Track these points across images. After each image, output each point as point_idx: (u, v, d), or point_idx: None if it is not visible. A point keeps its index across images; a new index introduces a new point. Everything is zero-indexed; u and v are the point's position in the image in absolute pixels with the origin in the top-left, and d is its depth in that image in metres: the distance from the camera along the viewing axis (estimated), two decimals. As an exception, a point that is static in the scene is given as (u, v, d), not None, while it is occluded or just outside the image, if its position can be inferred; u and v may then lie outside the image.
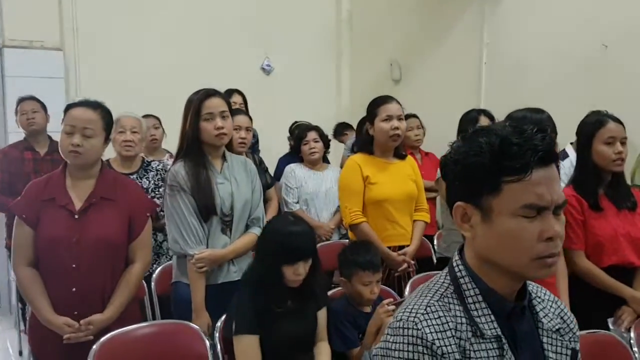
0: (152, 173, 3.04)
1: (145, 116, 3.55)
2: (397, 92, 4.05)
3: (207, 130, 2.13)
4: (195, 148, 2.15)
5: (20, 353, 3.57)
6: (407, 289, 2.46)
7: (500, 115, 2.84)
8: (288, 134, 4.26)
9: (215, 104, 2.14)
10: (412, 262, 2.61)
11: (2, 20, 3.97)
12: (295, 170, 3.41)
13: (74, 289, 1.90)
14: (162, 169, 3.18)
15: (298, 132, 3.58)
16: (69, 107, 1.97)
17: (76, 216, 1.92)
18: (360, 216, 2.55)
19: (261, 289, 1.92)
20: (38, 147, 3.39)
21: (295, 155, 3.92)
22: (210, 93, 2.16)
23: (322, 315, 2.08)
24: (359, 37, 5.39)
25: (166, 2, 4.61)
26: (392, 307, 2.09)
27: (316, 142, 3.44)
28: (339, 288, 2.30)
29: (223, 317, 2.01)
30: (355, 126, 4.34)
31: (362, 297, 2.17)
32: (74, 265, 1.89)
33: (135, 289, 2.03)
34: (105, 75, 4.30)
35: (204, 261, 2.10)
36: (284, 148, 4.22)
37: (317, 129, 3.54)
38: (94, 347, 1.78)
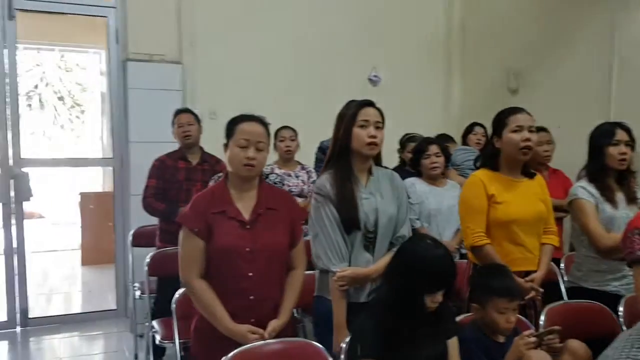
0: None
1: (283, 127, 3.63)
2: (514, 102, 3.82)
3: (360, 137, 2.08)
4: (343, 158, 2.12)
5: (136, 357, 3.69)
6: (543, 318, 2.26)
7: (635, 128, 2.60)
8: (398, 146, 4.15)
9: (372, 113, 2.12)
10: (540, 290, 2.39)
11: (127, 35, 4.16)
12: (415, 185, 3.27)
13: (251, 297, 1.95)
14: (279, 182, 3.20)
15: (417, 145, 3.45)
16: (236, 121, 2.02)
17: (248, 226, 1.97)
18: (483, 238, 2.36)
19: (391, 313, 1.82)
20: (191, 158, 3.50)
21: (404, 168, 3.80)
22: (368, 103, 2.14)
23: (453, 344, 1.94)
24: (472, 45, 5.18)
25: (280, 16, 4.66)
26: (533, 339, 1.92)
27: (438, 156, 3.29)
28: (469, 314, 2.14)
29: (347, 339, 1.93)
30: (457, 138, 4.22)
31: (497, 326, 2.01)
32: (250, 274, 1.94)
33: (299, 294, 2.07)
34: (220, 87, 4.41)
35: (345, 279, 2.04)
36: (391, 160, 4.13)
37: (438, 142, 3.39)
38: (224, 358, 1.77)
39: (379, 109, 2.16)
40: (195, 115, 3.60)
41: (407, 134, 4.13)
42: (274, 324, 1.95)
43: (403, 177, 3.43)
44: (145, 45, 4.21)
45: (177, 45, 4.29)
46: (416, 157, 3.36)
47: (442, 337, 1.93)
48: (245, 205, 2.02)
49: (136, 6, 4.16)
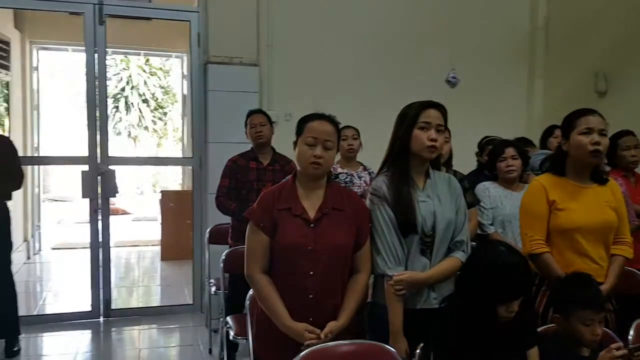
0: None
1: (346, 126, 3.62)
2: (602, 105, 3.64)
3: (420, 139, 2.02)
4: (401, 160, 2.07)
5: (210, 351, 3.79)
6: (631, 331, 2.12)
7: None
8: (476, 149, 4.04)
9: (434, 115, 2.04)
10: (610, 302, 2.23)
11: (208, 39, 4.29)
12: (489, 189, 3.16)
13: (310, 296, 1.95)
14: (349, 182, 3.18)
15: (493, 148, 3.33)
16: (306, 120, 2.03)
17: (312, 225, 1.97)
18: (542, 245, 2.24)
19: (466, 323, 1.76)
20: (262, 158, 3.56)
21: (481, 172, 3.69)
22: (431, 104, 2.06)
23: (533, 354, 1.86)
24: (557, 45, 4.96)
25: (355, 17, 4.66)
26: (622, 352, 1.80)
27: (514, 159, 3.16)
28: (551, 325, 2.04)
29: (420, 346, 1.88)
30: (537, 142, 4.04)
31: (581, 339, 1.90)
32: (311, 272, 1.94)
33: (361, 298, 2.04)
34: (295, 89, 4.47)
35: (402, 284, 1.99)
36: (470, 164, 4.02)
37: (515, 144, 3.26)
38: (295, 358, 1.77)
39: (442, 111, 2.07)
40: (268, 116, 3.66)
41: (485, 137, 4.00)
42: (332, 326, 1.93)
43: (480, 181, 3.36)
44: (225, 48, 4.32)
45: (255, 48, 4.38)
46: (492, 160, 3.24)
47: (521, 348, 1.85)
48: (311, 203, 2.01)
49: (218, 10, 4.28)
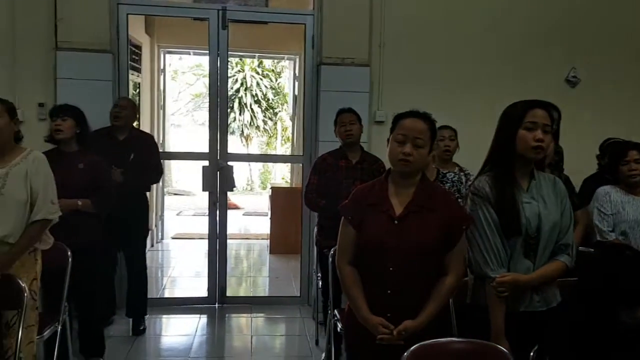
0: (447, 185, 3.05)
1: (443, 127, 3.60)
2: None
3: (525, 140, 1.98)
4: (504, 160, 2.04)
5: (317, 342, 3.91)
6: None
7: None
8: (597, 152, 3.84)
9: (540, 115, 1.99)
10: None
11: (322, 41, 4.42)
12: (610, 194, 3.01)
13: (389, 291, 1.97)
14: (457, 181, 3.15)
15: (615, 150, 3.16)
16: (400, 117, 2.05)
17: (396, 222, 1.99)
18: None
19: (584, 330, 1.71)
20: (351, 156, 3.65)
21: (602, 175, 3.51)
22: (537, 103, 2.01)
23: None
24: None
25: (469, 16, 4.59)
26: None
27: (638, 162, 2.99)
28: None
29: (535, 348, 1.85)
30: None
31: None
32: (391, 268, 1.97)
33: (446, 300, 2.04)
34: (405, 88, 4.48)
35: (505, 285, 1.96)
36: (590, 167, 3.84)
37: (639, 147, 3.07)
38: (405, 354, 1.81)
39: (549, 111, 2.01)
40: (357, 115, 3.72)
41: (608, 139, 3.80)
42: (407, 324, 1.93)
43: (600, 185, 3.20)
44: (337, 49, 4.43)
45: (366, 49, 4.45)
46: (613, 163, 3.08)
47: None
48: (400, 200, 2.02)
49: (332, 13, 4.40)
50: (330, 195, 3.54)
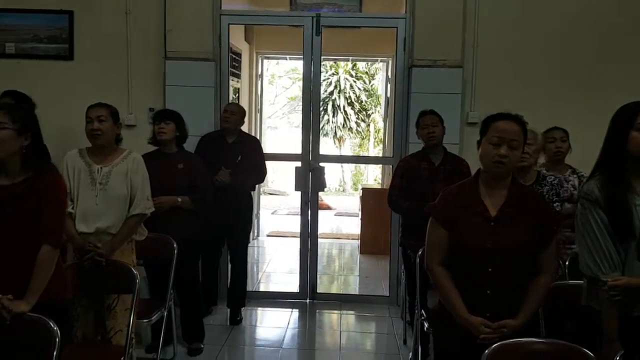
0: (546, 187, 3.00)
1: (554, 128, 3.53)
2: None
3: (638, 141, 1.96)
4: (616, 163, 2.02)
5: (405, 342, 3.97)
6: None
7: None
8: None
9: None
10: None
11: (414, 43, 4.46)
12: None
13: (488, 292, 2.02)
14: (557, 184, 3.09)
15: None
16: (491, 120, 2.09)
17: (492, 223, 2.04)
18: None
19: None
20: (433, 158, 3.67)
21: None
22: None
23: None
24: None
25: (567, 15, 4.43)
26: None
27: None
28: None
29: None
30: None
31: None
32: (489, 269, 2.01)
33: (541, 300, 2.08)
34: (498, 90, 4.42)
35: (617, 289, 1.94)
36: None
37: None
38: (486, 352, 1.84)
39: None
40: (440, 117, 3.71)
41: None
42: (508, 323, 1.97)
43: None
44: (429, 51, 4.45)
45: (459, 50, 4.43)
46: None
47: None
48: (493, 202, 2.06)
49: (424, 15, 4.42)
50: (413, 197, 3.58)
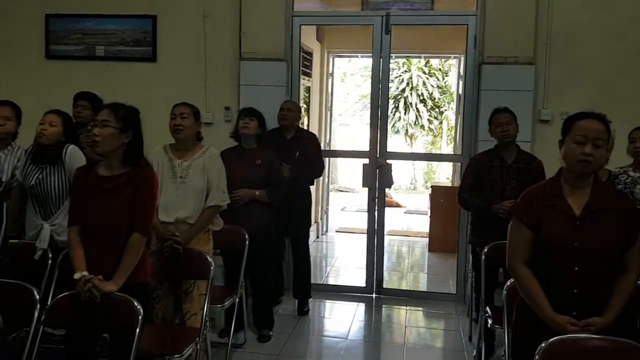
0: (620, 186, 2.97)
1: (637, 128, 3.41)
2: None
3: None
4: None
5: (470, 339, 3.97)
6: None
7: None
8: None
9: None
10: None
11: (484, 40, 4.43)
12: None
13: (575, 291, 2.02)
14: (630, 183, 3.03)
15: None
16: (574, 119, 2.09)
17: (577, 222, 2.04)
18: None
19: None
20: (506, 156, 3.62)
21: None
22: None
23: None
24: None
25: (633, 10, 4.26)
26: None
27: None
28: None
29: None
30: None
31: None
32: (576, 268, 2.01)
33: (629, 297, 2.04)
34: (572, 88, 4.33)
35: None
36: None
37: None
38: (543, 344, 1.86)
39: None
40: (514, 115, 3.65)
41: None
42: (596, 321, 1.95)
43: None
44: (500, 48, 4.40)
45: (531, 47, 4.36)
46: None
47: None
48: (577, 200, 2.05)
49: (496, 12, 4.38)
50: (485, 195, 3.57)
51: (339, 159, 11.59)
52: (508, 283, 2.70)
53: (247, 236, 3.48)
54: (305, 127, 6.21)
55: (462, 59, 6.95)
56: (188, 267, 3.04)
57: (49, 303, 2.45)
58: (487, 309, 3.25)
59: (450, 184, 8.40)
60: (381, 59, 4.70)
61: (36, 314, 2.29)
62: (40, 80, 4.90)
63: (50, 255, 2.96)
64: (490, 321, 3.13)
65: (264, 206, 3.73)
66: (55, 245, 3.04)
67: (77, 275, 2.31)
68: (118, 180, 2.41)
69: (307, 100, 6.72)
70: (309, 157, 4.26)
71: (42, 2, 4.93)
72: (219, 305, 3.31)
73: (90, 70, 4.89)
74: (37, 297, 2.32)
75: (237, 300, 3.48)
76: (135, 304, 2.25)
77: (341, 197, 11.34)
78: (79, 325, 2.38)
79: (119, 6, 4.86)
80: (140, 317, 2.23)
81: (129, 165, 2.44)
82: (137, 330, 2.22)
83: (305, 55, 6.09)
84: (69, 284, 2.39)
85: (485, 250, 3.37)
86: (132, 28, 4.87)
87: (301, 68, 4.95)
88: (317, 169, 4.46)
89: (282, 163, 4.01)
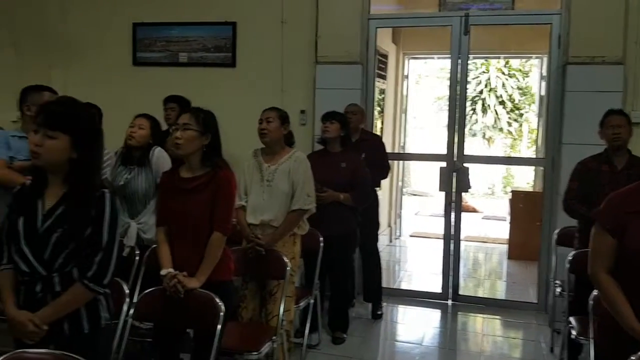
0: None
1: None
2: None
3: None
4: None
5: (552, 350, 3.81)
6: None
7: None
8: None
9: None
10: None
11: (569, 40, 4.25)
12: None
13: None
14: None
15: None
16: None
17: None
18: None
19: None
20: (616, 161, 3.41)
21: None
22: None
23: None
24: None
25: None
26: None
27: None
28: None
29: None
30: None
31: None
32: None
33: None
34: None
35: None
36: None
37: None
38: (632, 358, 1.77)
39: None
40: (628, 118, 3.44)
41: None
42: None
43: None
44: (586, 48, 4.21)
45: (620, 46, 4.14)
46: None
47: None
48: None
49: (581, 10, 4.20)
50: (592, 202, 3.39)
51: (412, 162, 11.46)
52: (594, 293, 2.59)
53: (321, 239, 3.51)
54: (379, 130, 6.19)
55: (545, 59, 6.70)
56: (268, 268, 3.10)
57: (135, 298, 2.58)
58: (571, 319, 3.11)
59: (531, 189, 8.09)
60: (459, 60, 4.61)
61: (125, 308, 2.41)
62: (127, 85, 5.17)
63: (137, 252, 3.12)
64: (574, 332, 2.99)
65: (348, 209, 3.75)
66: (142, 242, 3.20)
67: (163, 272, 2.43)
68: (198, 181, 2.51)
69: (381, 102, 6.69)
70: (374, 159, 4.24)
71: (130, 12, 5.21)
72: (294, 306, 3.36)
73: (174, 75, 5.11)
74: (127, 291, 2.44)
75: (312, 301, 3.52)
76: (217, 300, 2.33)
77: (415, 201, 11.21)
78: (165, 319, 2.49)
79: (201, 14, 5.04)
80: (221, 314, 2.30)
81: (208, 167, 2.53)
82: (219, 326, 2.29)
83: (381, 58, 6.07)
84: (154, 280, 2.52)
85: (570, 258, 3.24)
86: (213, 35, 5.04)
87: (376, 71, 4.94)
88: (383, 171, 4.43)
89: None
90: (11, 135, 2.95)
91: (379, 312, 4.43)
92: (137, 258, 3.10)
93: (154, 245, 2.83)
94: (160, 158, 3.25)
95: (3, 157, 2.86)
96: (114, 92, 5.00)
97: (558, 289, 3.75)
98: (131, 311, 2.47)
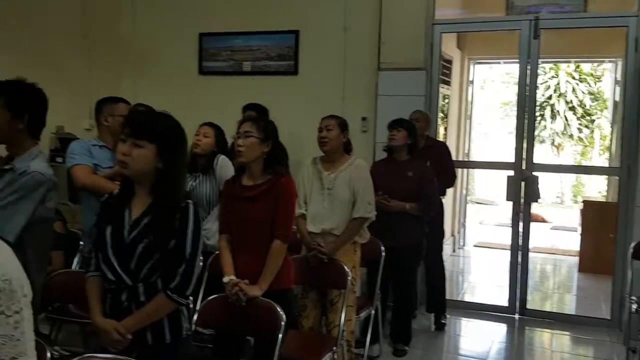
0: None
1: None
2: None
3: None
4: None
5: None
6: None
7: None
8: None
9: None
10: None
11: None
12: None
13: None
14: None
15: None
16: None
17: None
18: None
19: None
20: None
21: None
22: None
23: None
24: None
25: None
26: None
27: None
28: None
29: None
30: None
31: None
32: None
33: None
34: None
35: None
36: None
37: None
38: None
39: None
40: None
41: None
42: None
43: None
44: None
45: None
46: None
47: None
48: None
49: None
50: None
51: (477, 170, 11.16)
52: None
53: (382, 248, 3.45)
54: (442, 137, 6.06)
55: (620, 62, 6.38)
56: (329, 277, 3.08)
57: (198, 304, 2.61)
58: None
59: (604, 199, 7.70)
60: (528, 65, 4.45)
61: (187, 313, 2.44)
62: (193, 94, 5.29)
63: (201, 259, 3.16)
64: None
65: (414, 219, 3.68)
66: (205, 248, 3.24)
67: (225, 279, 2.45)
68: (259, 188, 2.53)
69: (445, 108, 6.55)
70: (440, 166, 4.14)
71: (196, 22, 5.33)
72: (355, 316, 3.32)
73: (238, 84, 5.19)
74: (190, 298, 2.48)
75: (373, 312, 3.46)
76: (279, 309, 2.33)
77: (479, 210, 10.91)
78: (226, 326, 2.51)
79: (264, 23, 5.11)
80: (282, 323, 2.30)
81: (269, 174, 2.54)
82: (280, 335, 2.28)
83: (445, 64, 5.95)
84: (217, 286, 2.54)
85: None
86: (276, 44, 5.09)
87: (440, 76, 4.84)
88: (449, 179, 4.32)
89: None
90: (92, 145, 3.01)
91: (443, 322, 4.31)
92: (200, 264, 3.13)
93: (217, 252, 2.86)
94: (224, 166, 3.29)
95: (89, 164, 2.92)
96: (181, 101, 5.12)
97: (634, 306, 3.53)
98: (195, 317, 2.50)
